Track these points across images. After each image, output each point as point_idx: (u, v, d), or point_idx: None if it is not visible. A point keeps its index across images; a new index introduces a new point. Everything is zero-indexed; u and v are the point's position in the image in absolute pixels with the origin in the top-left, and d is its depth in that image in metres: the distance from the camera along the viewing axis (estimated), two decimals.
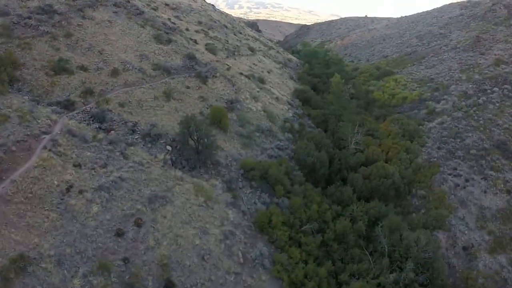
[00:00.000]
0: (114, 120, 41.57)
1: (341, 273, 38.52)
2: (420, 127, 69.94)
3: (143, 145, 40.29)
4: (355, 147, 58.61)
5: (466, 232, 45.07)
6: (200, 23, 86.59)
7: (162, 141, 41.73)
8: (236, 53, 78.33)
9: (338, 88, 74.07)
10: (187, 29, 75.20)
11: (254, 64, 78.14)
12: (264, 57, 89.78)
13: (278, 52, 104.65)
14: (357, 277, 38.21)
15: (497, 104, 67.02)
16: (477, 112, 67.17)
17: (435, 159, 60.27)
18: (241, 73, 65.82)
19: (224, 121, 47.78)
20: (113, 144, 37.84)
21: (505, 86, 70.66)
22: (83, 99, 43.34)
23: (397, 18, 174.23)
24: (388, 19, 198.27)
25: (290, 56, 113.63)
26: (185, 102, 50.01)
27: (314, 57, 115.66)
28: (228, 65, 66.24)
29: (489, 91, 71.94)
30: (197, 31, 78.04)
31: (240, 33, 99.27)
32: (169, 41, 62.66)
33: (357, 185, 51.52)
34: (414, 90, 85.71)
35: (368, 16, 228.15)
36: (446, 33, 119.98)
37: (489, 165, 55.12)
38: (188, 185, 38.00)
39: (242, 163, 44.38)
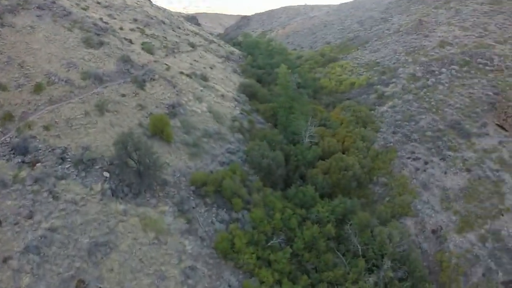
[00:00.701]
0: (40, 149, 34.70)
1: (318, 284, 34.96)
2: (372, 112, 67.82)
3: (76, 175, 33.82)
4: (310, 140, 54.93)
5: (432, 215, 44.12)
6: (135, 20, 78.90)
7: (97, 167, 35.34)
8: (175, 50, 71.97)
9: (285, 79, 70.07)
10: (121, 28, 67.69)
11: (195, 60, 72.18)
12: (206, 52, 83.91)
13: (219, 45, 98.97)
14: (335, 285, 34.96)
15: (447, 85, 66.08)
16: (427, 94, 65.91)
17: (392, 144, 58.22)
18: (182, 73, 59.84)
19: (167, 131, 41.85)
20: (39, 182, 31.36)
21: (453, 66, 70.00)
22: (1, 127, 35.97)
23: (338, 5, 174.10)
24: (329, 6, 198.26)
25: (232, 48, 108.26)
26: (122, 114, 43.51)
27: (256, 47, 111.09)
28: (167, 64, 59.96)
29: (437, 72, 71.02)
30: (132, 30, 70.64)
31: (179, 28, 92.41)
32: (101, 43, 55.28)
33: (318, 182, 47.81)
34: (361, 75, 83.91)
35: (308, 4, 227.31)
36: (387, 18, 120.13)
37: (446, 145, 53.82)
38: (133, 219, 32.11)
39: (192, 179, 38.83)
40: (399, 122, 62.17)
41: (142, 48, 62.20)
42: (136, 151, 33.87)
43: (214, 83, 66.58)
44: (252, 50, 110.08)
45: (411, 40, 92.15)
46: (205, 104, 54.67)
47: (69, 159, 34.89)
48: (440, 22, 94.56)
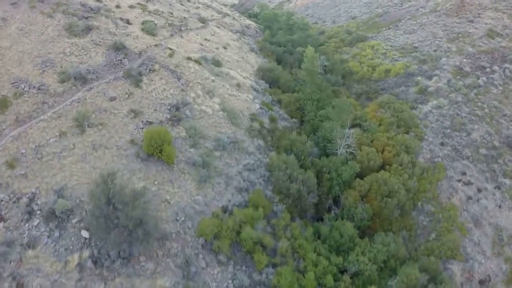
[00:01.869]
0: (1, 200, 24.84)
1: None
2: (414, 111, 55.83)
3: (48, 238, 24.01)
4: (346, 150, 43.55)
5: (482, 261, 38.36)
6: None
7: (74, 221, 25.12)
8: (183, 28, 59.09)
9: (313, 65, 57.76)
10: (117, 6, 54.76)
11: (206, 39, 59.49)
12: (219, 27, 70.81)
13: (234, 18, 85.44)
14: None
15: (500, 88, 53.91)
16: (479, 97, 53.79)
17: (439, 159, 47.26)
18: (189, 58, 47.54)
19: (167, 151, 30.51)
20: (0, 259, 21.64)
21: (506, 65, 57.27)
22: None
23: None
24: None
25: (247, 21, 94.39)
26: (109, 127, 32.16)
27: (274, 21, 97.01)
28: (171, 48, 47.57)
29: (488, 69, 58.30)
30: (131, 7, 57.53)
31: (189, 1, 78.44)
32: (88, 29, 42.92)
33: (356, 213, 37.18)
34: (397, 60, 70.86)
35: None
36: None
37: (501, 169, 45.44)
38: None
39: (199, 228, 27.78)
40: (448, 130, 50.52)
41: (142, 29, 49.42)
42: (121, 203, 22.77)
43: (228, 67, 54.35)
44: (270, 24, 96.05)
45: (453, 24, 78.19)
46: (217, 100, 42.83)
47: (38, 211, 24.75)
48: (485, 6, 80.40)
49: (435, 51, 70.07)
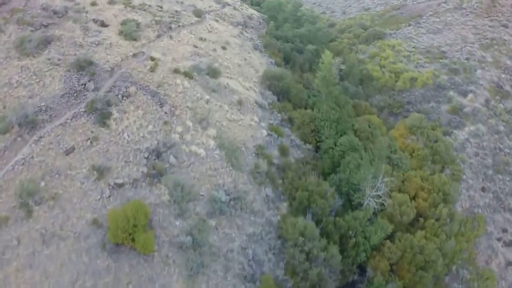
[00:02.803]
0: None
1: None
2: (448, 138, 45.96)
3: None
4: (375, 200, 33.70)
5: None
6: None
7: None
8: (174, 26, 47.68)
9: (330, 74, 47.11)
10: (93, 4, 43.33)
11: (201, 39, 48.17)
12: (217, 21, 59.19)
13: (235, 8, 73.57)
14: None
15: None
16: None
17: (479, 209, 38.26)
18: (177, 71, 36.57)
19: (142, 240, 20.39)
20: None
21: None
22: None
23: None
24: None
25: (250, 10, 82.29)
26: (63, 202, 22.02)
27: (280, 10, 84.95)
28: (154, 58, 36.59)
29: None
30: (111, 2, 45.90)
31: None
32: (46, 43, 31.95)
33: None
34: (423, 67, 60.30)
35: None
36: None
37: None
38: None
39: None
40: (490, 172, 41.25)
41: (120, 33, 38.28)
42: None
43: (227, 75, 43.51)
44: (275, 13, 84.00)
45: (484, 27, 67.28)
46: (212, 132, 32.29)
47: None
48: None
49: (467, 59, 59.51)
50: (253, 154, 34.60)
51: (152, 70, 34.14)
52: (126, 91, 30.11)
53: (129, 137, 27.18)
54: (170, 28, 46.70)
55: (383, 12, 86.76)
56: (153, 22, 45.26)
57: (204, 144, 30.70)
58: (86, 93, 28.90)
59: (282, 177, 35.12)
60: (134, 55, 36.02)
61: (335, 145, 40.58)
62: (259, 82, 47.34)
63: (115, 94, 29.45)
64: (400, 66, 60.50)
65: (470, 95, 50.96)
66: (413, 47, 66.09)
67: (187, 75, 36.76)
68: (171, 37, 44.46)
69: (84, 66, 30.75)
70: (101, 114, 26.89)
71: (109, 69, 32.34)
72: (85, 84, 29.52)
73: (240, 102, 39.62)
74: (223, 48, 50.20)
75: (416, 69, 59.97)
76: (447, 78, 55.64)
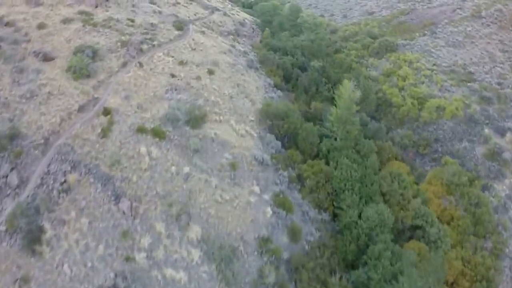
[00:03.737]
0: None
1: None
2: (487, 194, 34.90)
3: None
4: None
5: None
6: None
7: None
8: (147, 46, 34.96)
9: (349, 111, 34.95)
10: (40, 27, 30.52)
11: (182, 62, 35.34)
12: (203, 33, 46.25)
13: (225, 14, 60.49)
14: None
15: None
16: None
17: None
18: (142, 130, 24.11)
19: None
20: None
21: None
22: None
23: None
24: None
25: (242, 15, 69.17)
26: None
27: (274, 14, 72.02)
28: (109, 112, 24.02)
29: None
30: (67, 20, 33.20)
31: None
32: None
33: None
34: (449, 91, 48.60)
35: None
36: None
37: None
38: None
39: None
40: None
41: (68, 69, 25.71)
42: None
43: (216, 118, 31.02)
44: (269, 17, 71.17)
45: None
46: (196, 230, 20.03)
47: None
48: None
49: (499, 84, 48.21)
50: (255, 253, 22.69)
51: (104, 134, 21.57)
52: (64, 182, 18.16)
53: (71, 271, 15.32)
54: (141, 50, 33.83)
55: (390, 18, 74.53)
56: (119, 44, 32.57)
57: (185, 260, 18.54)
58: (8, 192, 16.68)
59: (295, 280, 23.41)
60: (82, 107, 23.50)
61: (359, 217, 28.81)
62: (257, 120, 34.88)
63: (49, 190, 17.52)
64: (423, 89, 48.71)
65: (509, 135, 39.76)
66: (434, 64, 54.28)
67: (157, 134, 24.25)
68: (140, 64, 31.69)
69: (4, 144, 18.27)
70: (28, 237, 15.11)
71: (42, 141, 20.22)
72: (6, 177, 17.28)
73: (233, 166, 27.20)
74: (210, 72, 37.46)
75: (441, 93, 48.31)
76: (480, 109, 44.26)
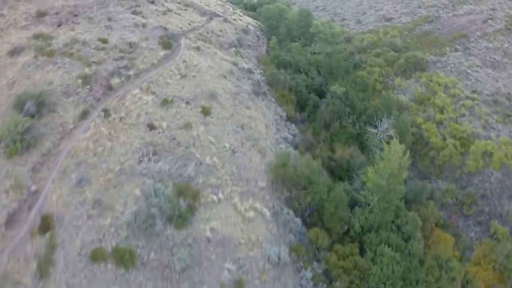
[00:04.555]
0: None
1: None
2: None
3: None
4: None
5: None
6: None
7: None
8: (121, 79, 24.46)
9: (397, 179, 24.75)
10: None
11: (167, 101, 24.73)
12: (199, 49, 35.45)
13: (225, 20, 49.46)
14: None
15: None
16: None
17: None
18: (98, 256, 13.72)
19: None
20: None
21: None
22: None
23: None
24: None
25: (245, 19, 58.13)
26: None
27: (281, 18, 61.09)
28: (46, 227, 13.89)
29: None
30: (13, 51, 23.29)
31: (152, 1, 41.14)
32: None
33: None
34: (494, 128, 38.53)
35: None
36: None
37: None
38: None
39: None
40: None
41: None
42: None
43: (213, 196, 20.73)
44: (275, 23, 60.32)
45: None
46: None
47: None
48: None
49: None
50: None
51: (42, 275, 12.05)
52: None
53: None
54: (110, 87, 23.20)
55: (412, 25, 63.86)
56: (80, 81, 22.00)
57: None
58: None
59: None
60: (11, 219, 14.21)
61: None
62: (270, 186, 24.57)
63: None
64: (466, 127, 38.58)
65: None
66: (473, 91, 44.08)
67: (123, 259, 14.39)
68: (106, 113, 21.16)
69: None
70: None
71: None
72: None
73: (239, 284, 17.04)
74: (205, 112, 26.99)
75: (485, 132, 38.30)
76: None
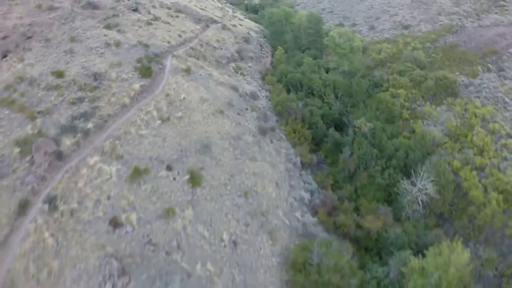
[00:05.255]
0: None
1: None
2: None
3: None
4: None
5: None
6: None
7: None
8: (73, 139, 16.10)
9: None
10: None
11: (138, 172, 16.60)
12: (188, 72, 26.89)
13: (224, 26, 40.35)
14: None
15: None
16: None
17: None
18: None
19: None
20: None
21: None
22: None
23: None
24: None
25: (246, 23, 49.27)
26: None
27: (287, 23, 52.25)
28: None
29: None
30: None
31: (135, 10, 31.95)
32: None
33: None
34: None
35: None
36: (499, 1, 62.62)
37: None
38: None
39: None
40: None
41: None
42: None
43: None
44: (279, 28, 51.41)
45: None
46: None
47: None
48: None
49: None
50: None
51: None
52: None
53: None
54: (59, 155, 15.08)
55: (434, 36, 55.48)
56: (16, 152, 15.10)
57: None
58: None
59: None
60: None
61: None
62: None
63: None
64: (510, 176, 30.80)
65: None
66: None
67: None
68: (51, 206, 13.67)
69: None
70: None
71: None
72: None
73: None
74: (194, 181, 18.86)
75: None
76: None
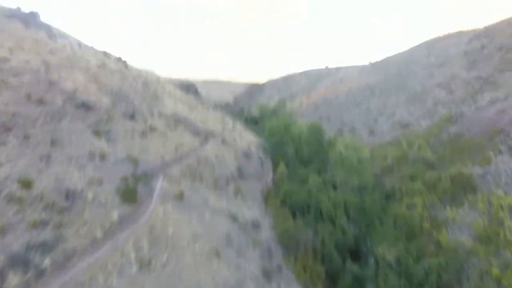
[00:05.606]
0: None
1: None
2: None
3: None
4: None
5: None
6: None
7: None
8: None
9: None
10: None
11: None
12: (181, 198, 25.03)
13: (223, 141, 40.44)
14: None
15: None
16: None
17: None
18: None
19: None
20: None
21: None
22: None
23: (377, 61, 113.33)
24: (360, 67, 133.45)
25: (246, 137, 49.79)
26: None
27: (287, 137, 52.24)
28: None
29: None
30: None
31: (132, 116, 32.59)
32: None
33: None
34: None
35: (330, 67, 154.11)
36: (489, 79, 63.73)
37: None
38: None
39: None
40: None
41: None
42: None
43: None
44: (280, 143, 51.12)
45: None
46: None
47: None
48: None
49: None
50: None
51: None
52: None
53: None
54: None
55: (436, 130, 54.59)
56: None
57: None
58: None
59: None
60: None
61: None
62: None
63: None
64: None
65: None
66: None
67: None
68: None
69: None
70: None
71: None
72: None
73: None
74: None
75: None
76: None
